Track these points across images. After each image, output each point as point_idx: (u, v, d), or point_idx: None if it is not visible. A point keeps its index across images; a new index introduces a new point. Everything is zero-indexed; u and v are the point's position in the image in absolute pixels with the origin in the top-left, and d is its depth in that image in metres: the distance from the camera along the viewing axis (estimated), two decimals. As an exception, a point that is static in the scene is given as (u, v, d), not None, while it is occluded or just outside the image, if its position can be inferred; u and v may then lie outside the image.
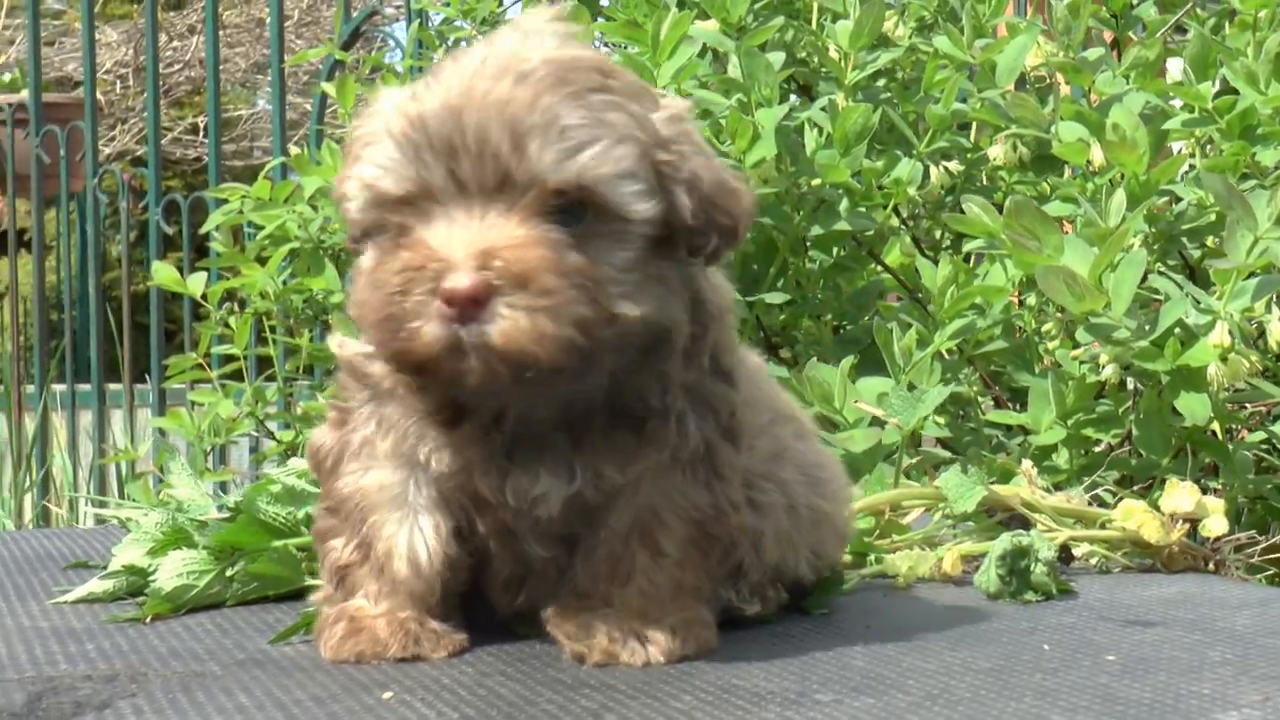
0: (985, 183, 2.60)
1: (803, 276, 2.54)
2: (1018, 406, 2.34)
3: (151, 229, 4.13)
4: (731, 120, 2.29)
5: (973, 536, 1.80)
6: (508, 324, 1.18)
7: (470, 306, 1.18)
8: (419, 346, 1.20)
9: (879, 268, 2.57)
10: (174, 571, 1.63)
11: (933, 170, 2.52)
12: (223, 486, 3.10)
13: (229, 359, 3.05)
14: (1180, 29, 2.66)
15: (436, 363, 1.21)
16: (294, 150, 3.31)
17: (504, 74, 1.22)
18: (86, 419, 4.54)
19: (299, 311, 2.95)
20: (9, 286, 5.03)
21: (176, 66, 8.13)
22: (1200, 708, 1.20)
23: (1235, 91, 2.27)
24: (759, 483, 1.45)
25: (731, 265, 2.42)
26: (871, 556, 1.74)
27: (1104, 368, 2.11)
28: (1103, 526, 1.77)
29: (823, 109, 2.40)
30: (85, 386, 4.56)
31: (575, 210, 1.21)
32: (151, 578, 1.64)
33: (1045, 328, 2.34)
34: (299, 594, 1.67)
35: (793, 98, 2.62)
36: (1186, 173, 2.36)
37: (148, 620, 1.59)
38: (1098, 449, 2.23)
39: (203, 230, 3.23)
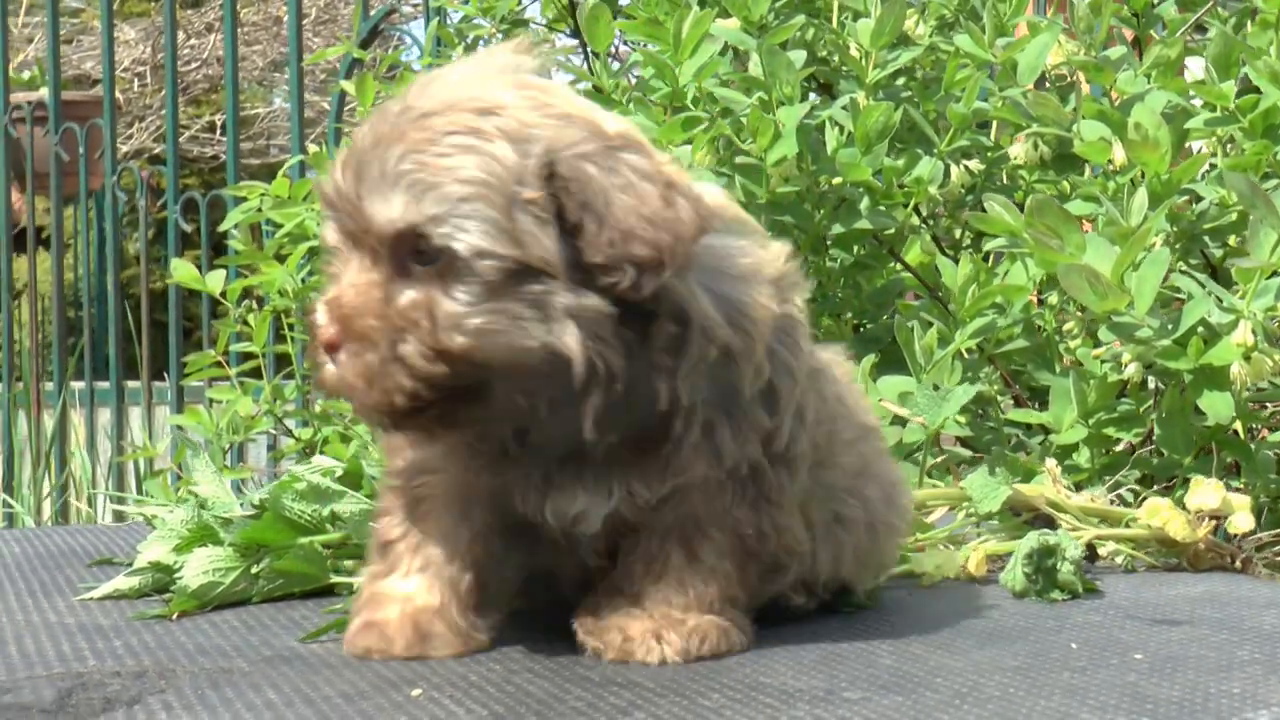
0: (1005, 181, 2.60)
1: (823, 275, 2.54)
2: (1037, 406, 2.33)
3: (170, 227, 4.14)
4: (753, 118, 2.29)
5: (997, 536, 1.80)
6: (340, 365, 1.29)
7: (332, 351, 1.30)
8: (323, 382, 1.32)
9: (899, 266, 2.57)
10: (200, 568, 1.63)
11: (953, 169, 2.52)
12: (240, 484, 3.10)
13: (247, 356, 3.05)
14: (1200, 28, 2.65)
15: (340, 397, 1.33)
16: (312, 148, 3.32)
17: (383, 122, 1.30)
18: (105, 416, 4.55)
19: (318, 309, 2.95)
20: (28, 284, 5.04)
21: (194, 64, 8.15)
22: (1231, 706, 1.20)
23: (1257, 90, 2.26)
24: (844, 498, 1.49)
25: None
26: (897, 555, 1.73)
27: (1126, 367, 2.10)
28: (1128, 525, 1.77)
29: (844, 107, 2.40)
30: (104, 384, 4.57)
31: (429, 252, 1.26)
32: (177, 574, 1.65)
33: (1067, 327, 2.34)
34: (325, 591, 1.68)
35: (813, 96, 2.62)
36: (1207, 172, 2.35)
37: (174, 617, 1.60)
38: (1118, 448, 2.23)
39: (221, 228, 3.24)
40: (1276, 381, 2.09)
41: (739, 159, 2.35)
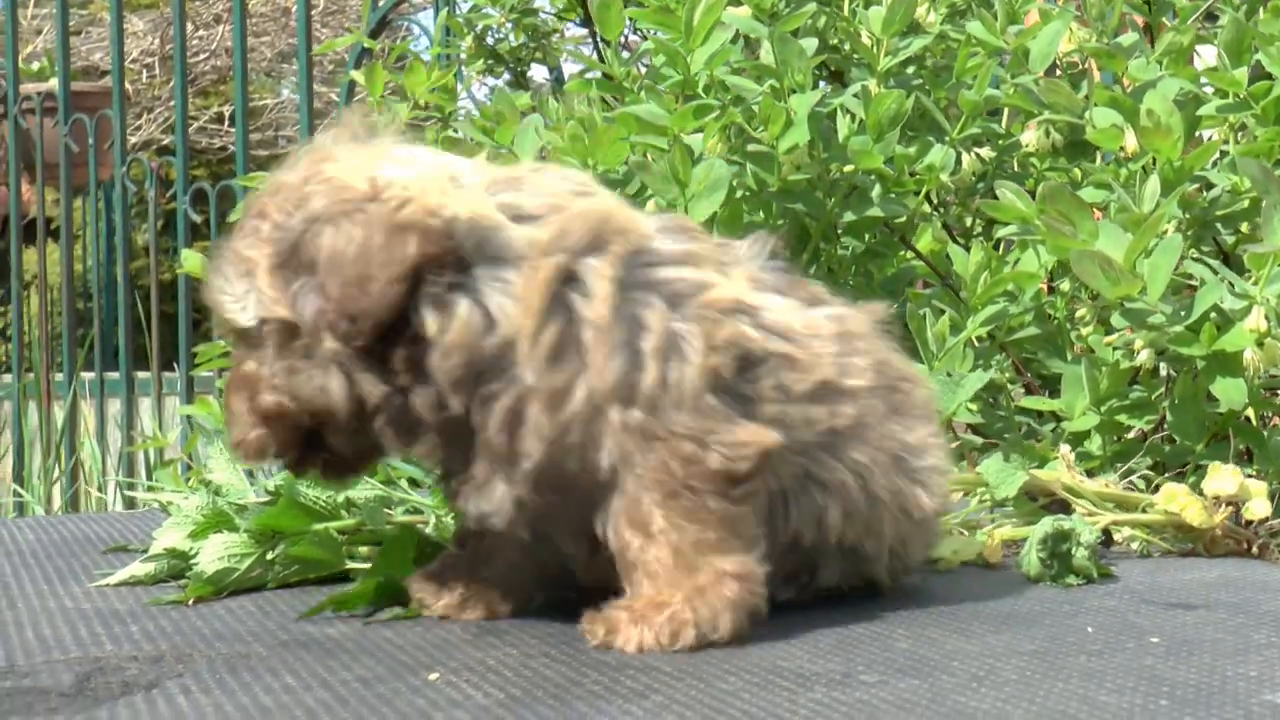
0: (1017, 169, 2.60)
1: (835, 263, 2.53)
2: (1048, 393, 2.33)
3: (179, 217, 4.14)
4: (764, 106, 2.29)
5: (1013, 521, 1.80)
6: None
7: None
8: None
9: (910, 254, 2.57)
10: (215, 554, 1.64)
11: (965, 157, 2.52)
12: (250, 472, 3.10)
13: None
14: (1210, 16, 2.65)
15: None
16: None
17: None
18: (115, 407, 4.56)
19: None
20: (37, 275, 5.05)
21: (202, 56, 8.15)
22: (1248, 689, 1.20)
23: (1269, 77, 2.26)
24: (819, 456, 1.44)
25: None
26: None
27: (1138, 353, 2.10)
28: (1144, 511, 1.77)
29: (855, 95, 2.39)
30: (113, 374, 4.58)
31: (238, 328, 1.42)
32: (193, 561, 1.65)
33: (1079, 314, 2.34)
34: (340, 577, 1.68)
35: (824, 84, 2.62)
36: (1219, 158, 2.35)
37: (190, 603, 1.60)
38: (1130, 435, 2.23)
39: (231, 218, 3.24)
40: (1289, 368, 2.09)
41: (750, 147, 2.35)
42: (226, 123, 8.16)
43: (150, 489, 2.90)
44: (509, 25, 3.40)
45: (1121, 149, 2.32)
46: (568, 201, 1.41)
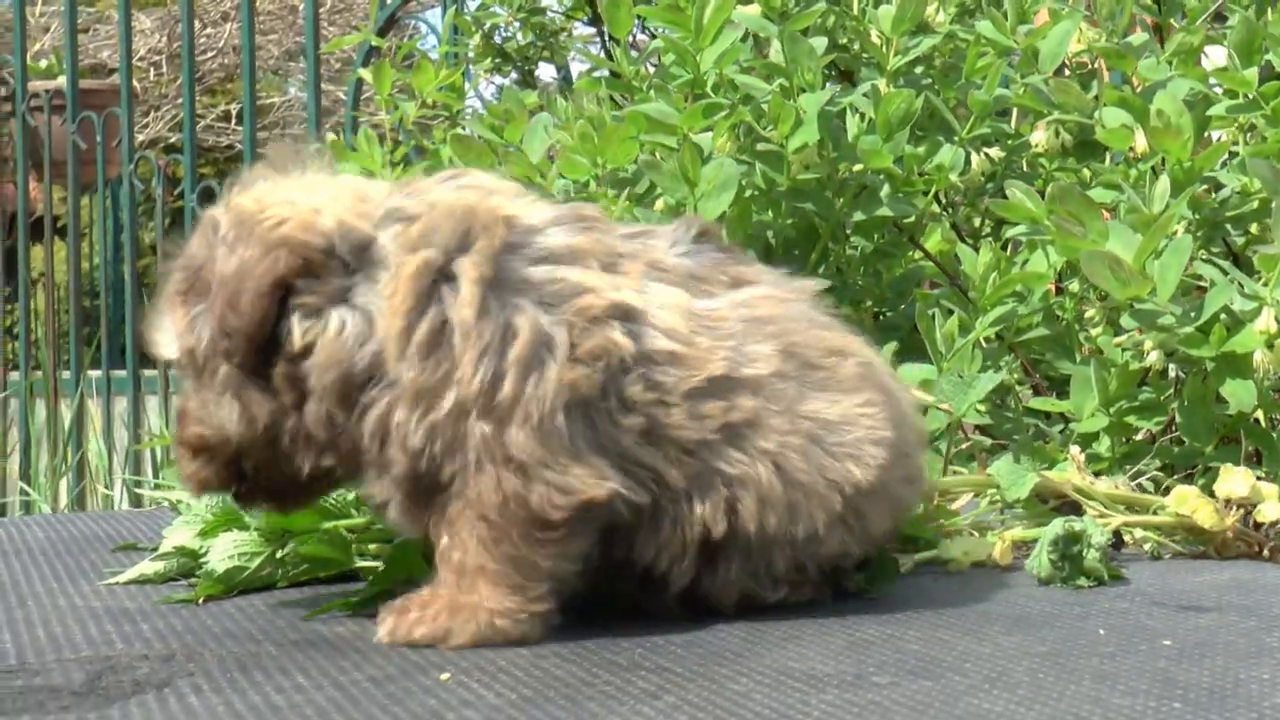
0: (1026, 169, 2.59)
1: (843, 262, 2.53)
2: (1055, 394, 2.33)
3: (187, 215, 4.15)
4: (774, 106, 2.29)
5: (1023, 522, 1.80)
6: None
7: None
8: None
9: (919, 254, 2.57)
10: (225, 553, 1.64)
11: (974, 156, 2.52)
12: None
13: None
14: (1219, 16, 2.64)
15: None
16: (330, 137, 3.32)
17: None
18: (121, 405, 4.56)
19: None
20: (44, 273, 5.05)
21: (210, 54, 8.15)
22: (1261, 691, 1.20)
23: (1279, 77, 2.25)
24: (722, 450, 1.40)
25: (772, 251, 2.44)
26: (922, 540, 1.74)
27: (1148, 355, 2.10)
28: (1155, 513, 1.77)
29: (865, 94, 2.39)
30: (120, 372, 4.58)
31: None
32: (203, 559, 1.65)
33: (1088, 315, 2.34)
34: (350, 575, 1.68)
35: (833, 84, 2.61)
36: (1229, 159, 2.35)
37: (200, 601, 1.60)
38: (1138, 437, 2.23)
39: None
40: (1299, 369, 2.08)
41: (760, 146, 2.35)
42: (233, 120, 8.17)
43: (158, 487, 2.90)
44: (517, 24, 3.41)
45: (1131, 149, 2.31)
46: (446, 198, 1.40)
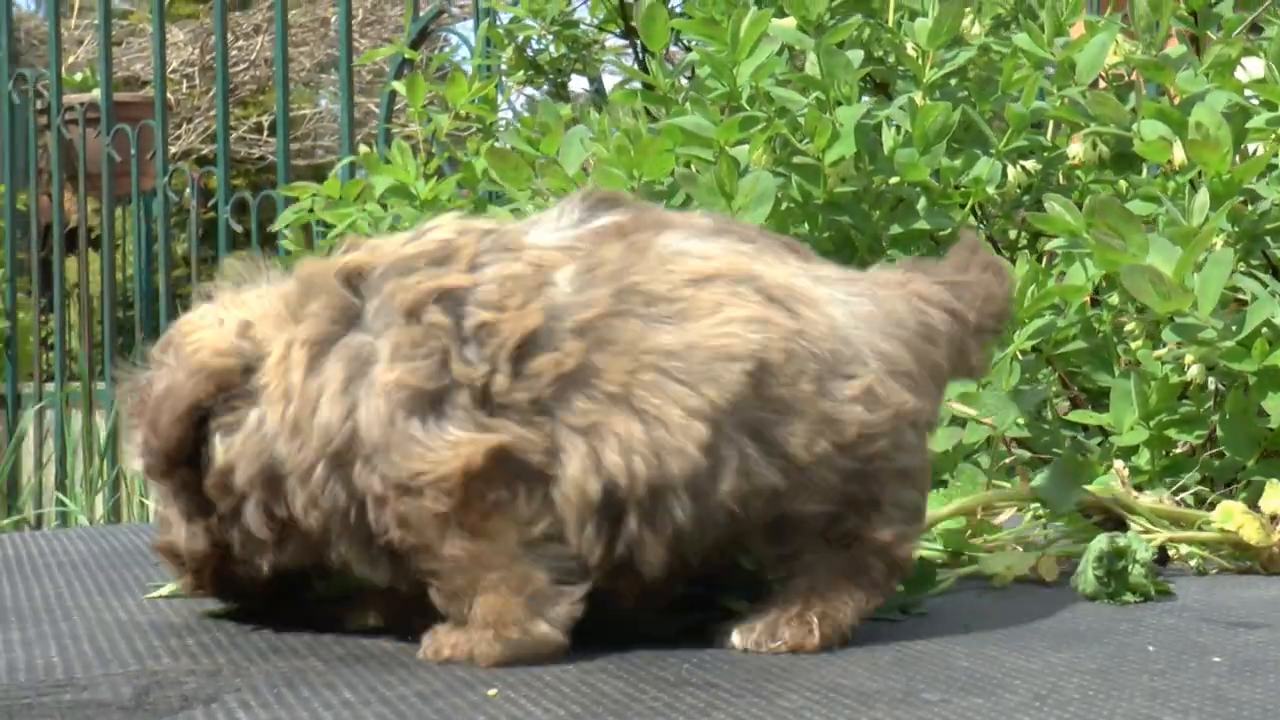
0: (1062, 181, 2.59)
1: (880, 275, 2.52)
2: (1093, 407, 2.32)
3: (220, 227, 4.17)
4: (810, 118, 2.28)
5: (1068, 538, 1.79)
6: None
7: None
8: None
9: (955, 267, 2.56)
10: (269, 567, 1.64)
11: (1010, 169, 2.51)
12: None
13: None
14: (1256, 28, 2.63)
15: None
16: (363, 149, 3.33)
17: None
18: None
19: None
20: (79, 284, 5.08)
21: (242, 66, 8.19)
22: (1315, 710, 1.19)
23: (1318, 90, 2.24)
24: (572, 404, 1.36)
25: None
26: (966, 555, 1.73)
27: (1189, 368, 2.09)
28: (1200, 528, 1.76)
29: (901, 107, 2.39)
30: (153, 384, 4.59)
31: None
32: (247, 573, 1.65)
33: (1128, 328, 2.33)
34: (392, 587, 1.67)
35: (868, 97, 2.61)
36: (1267, 171, 2.34)
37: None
38: (1178, 450, 2.22)
39: (273, 228, 3.26)
40: (1341, 383, 2.07)
41: (796, 159, 2.35)
42: (265, 132, 8.20)
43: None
44: (550, 36, 3.41)
45: (1169, 162, 2.30)
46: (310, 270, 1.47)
